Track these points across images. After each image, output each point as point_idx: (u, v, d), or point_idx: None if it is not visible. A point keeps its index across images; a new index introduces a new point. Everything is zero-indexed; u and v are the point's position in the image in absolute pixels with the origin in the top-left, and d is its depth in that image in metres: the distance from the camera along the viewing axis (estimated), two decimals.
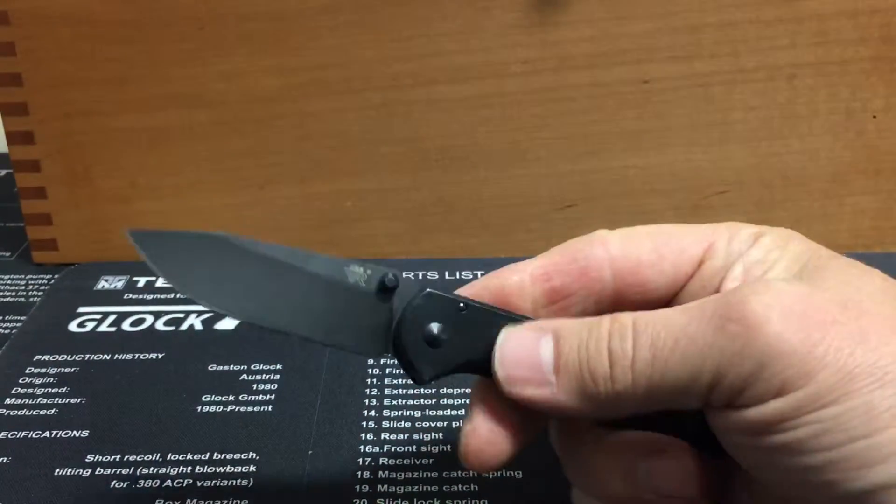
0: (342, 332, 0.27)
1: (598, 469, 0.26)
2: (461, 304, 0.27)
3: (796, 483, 0.23)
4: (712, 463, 0.26)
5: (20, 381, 0.40)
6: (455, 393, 0.39)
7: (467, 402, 0.33)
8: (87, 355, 0.42)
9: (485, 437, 0.26)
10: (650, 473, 0.26)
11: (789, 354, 0.22)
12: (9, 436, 0.37)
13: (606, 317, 0.25)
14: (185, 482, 0.34)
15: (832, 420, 0.21)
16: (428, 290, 0.27)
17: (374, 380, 0.40)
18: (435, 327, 0.26)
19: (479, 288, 0.28)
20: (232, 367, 0.41)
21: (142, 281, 0.49)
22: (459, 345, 0.27)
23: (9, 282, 0.50)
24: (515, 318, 0.27)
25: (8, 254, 0.53)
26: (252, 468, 0.35)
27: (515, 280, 0.27)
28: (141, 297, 0.47)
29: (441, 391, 0.39)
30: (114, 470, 0.35)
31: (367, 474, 0.34)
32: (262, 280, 0.27)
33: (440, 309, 0.27)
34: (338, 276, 0.27)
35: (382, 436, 0.37)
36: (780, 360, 0.22)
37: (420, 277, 0.48)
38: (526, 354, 0.25)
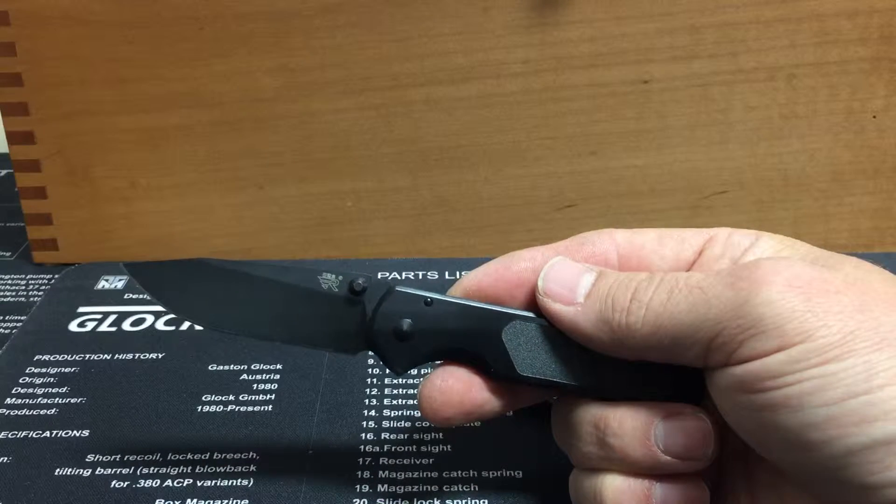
0: (321, 335, 0.29)
1: (615, 433, 0.27)
2: (427, 300, 0.29)
3: (795, 444, 0.23)
4: (724, 428, 0.26)
5: (20, 381, 0.40)
6: None
7: None
8: (88, 355, 0.42)
9: (437, 386, 0.28)
10: (668, 433, 0.26)
11: (789, 311, 0.23)
12: (9, 436, 0.37)
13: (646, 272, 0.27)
14: (185, 482, 0.34)
15: (832, 375, 0.22)
16: (395, 289, 0.29)
17: (374, 380, 0.40)
18: (404, 323, 0.29)
19: (493, 272, 0.30)
20: (232, 367, 0.41)
21: None
22: (428, 336, 0.29)
23: (9, 282, 0.50)
24: (480, 307, 0.29)
25: (8, 254, 0.53)
26: (252, 468, 0.35)
27: (527, 267, 0.29)
28: (141, 296, 0.47)
29: None
30: (114, 470, 0.35)
31: (367, 474, 0.34)
32: (243, 296, 0.29)
33: (407, 305, 0.29)
34: (311, 284, 0.29)
35: (382, 436, 0.37)
36: (780, 317, 0.23)
37: (420, 277, 0.48)
38: (567, 277, 0.28)
